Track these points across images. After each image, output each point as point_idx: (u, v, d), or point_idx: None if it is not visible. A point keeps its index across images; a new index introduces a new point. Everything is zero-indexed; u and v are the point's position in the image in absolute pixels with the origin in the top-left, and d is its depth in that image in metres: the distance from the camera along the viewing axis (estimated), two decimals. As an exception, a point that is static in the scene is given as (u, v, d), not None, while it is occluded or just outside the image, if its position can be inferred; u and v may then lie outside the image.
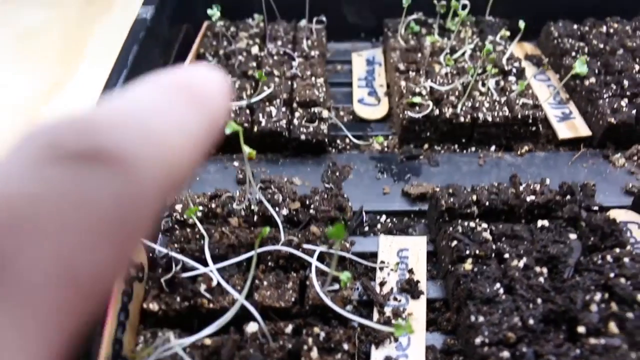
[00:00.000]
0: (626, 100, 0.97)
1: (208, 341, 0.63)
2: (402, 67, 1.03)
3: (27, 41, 1.30)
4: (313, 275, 0.67)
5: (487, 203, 0.78)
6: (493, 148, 0.97)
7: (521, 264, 0.70)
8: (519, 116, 0.92)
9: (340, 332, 0.64)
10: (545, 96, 1.03)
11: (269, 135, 0.93)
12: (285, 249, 0.70)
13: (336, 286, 0.68)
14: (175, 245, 0.74)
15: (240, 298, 0.62)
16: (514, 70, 1.02)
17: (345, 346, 0.62)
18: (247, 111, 0.94)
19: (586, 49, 1.10)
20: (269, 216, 0.76)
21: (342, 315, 0.64)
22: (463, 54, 1.05)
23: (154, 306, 0.68)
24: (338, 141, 1.00)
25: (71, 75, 1.17)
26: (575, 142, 0.98)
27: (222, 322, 0.62)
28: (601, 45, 1.09)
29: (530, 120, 0.93)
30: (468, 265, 0.71)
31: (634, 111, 0.94)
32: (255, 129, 0.92)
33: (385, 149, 0.98)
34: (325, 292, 0.67)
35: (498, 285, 0.68)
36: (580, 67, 0.84)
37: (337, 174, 0.93)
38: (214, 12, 1.00)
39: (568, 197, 0.79)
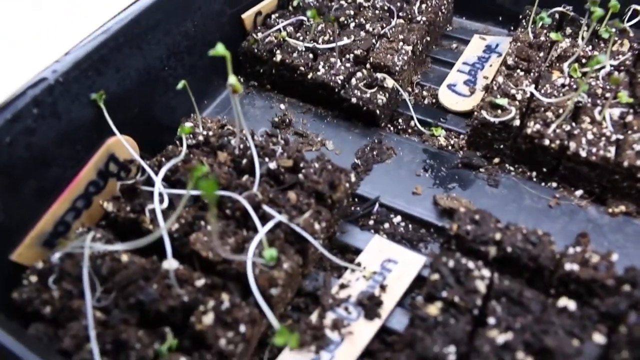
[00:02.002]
0: None
1: (125, 257, 0.60)
2: (510, 61, 0.83)
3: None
4: (254, 242, 0.59)
5: (510, 249, 0.60)
6: (579, 193, 0.74)
7: (502, 339, 0.52)
8: (626, 164, 0.68)
9: (246, 312, 0.55)
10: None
11: (321, 87, 0.83)
12: (244, 203, 0.62)
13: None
14: (162, 158, 0.72)
15: (162, 229, 0.56)
16: (658, 107, 0.76)
17: (242, 328, 0.54)
18: (310, 55, 0.85)
19: None
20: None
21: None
22: (600, 69, 0.81)
23: (108, 206, 0.67)
24: (400, 120, 0.86)
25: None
26: None
27: (136, 245, 0.57)
28: None
29: (641, 175, 0.68)
30: (434, 308, 0.55)
31: None
32: (310, 75, 0.84)
33: (449, 147, 0.82)
34: (258, 264, 0.59)
35: (451, 349, 0.52)
36: None
37: (376, 153, 0.80)
38: None
39: (627, 287, 0.57)
